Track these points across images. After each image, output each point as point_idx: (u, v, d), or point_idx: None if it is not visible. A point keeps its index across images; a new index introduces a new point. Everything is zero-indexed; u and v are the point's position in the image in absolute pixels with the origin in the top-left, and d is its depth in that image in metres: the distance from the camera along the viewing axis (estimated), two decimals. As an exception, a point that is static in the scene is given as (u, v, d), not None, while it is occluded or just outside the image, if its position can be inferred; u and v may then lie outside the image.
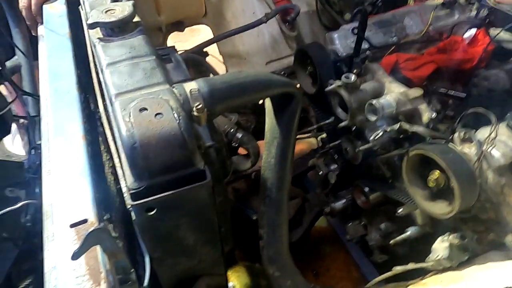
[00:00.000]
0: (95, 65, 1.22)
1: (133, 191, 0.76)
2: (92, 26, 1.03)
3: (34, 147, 1.47)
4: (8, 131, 1.88)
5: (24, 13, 1.59)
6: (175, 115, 0.79)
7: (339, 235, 2.60)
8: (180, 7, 2.02)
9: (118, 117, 0.80)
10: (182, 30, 2.19)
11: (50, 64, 1.20)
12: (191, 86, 0.87)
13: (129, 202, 0.75)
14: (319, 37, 2.45)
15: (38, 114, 1.56)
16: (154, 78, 0.89)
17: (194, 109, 0.85)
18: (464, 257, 1.38)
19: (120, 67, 0.93)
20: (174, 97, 0.84)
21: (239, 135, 2.14)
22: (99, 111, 1.08)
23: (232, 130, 2.14)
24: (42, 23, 1.57)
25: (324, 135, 2.11)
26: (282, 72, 2.34)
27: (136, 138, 0.75)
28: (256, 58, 2.34)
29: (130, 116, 0.78)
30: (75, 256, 0.60)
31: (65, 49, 1.25)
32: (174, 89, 0.87)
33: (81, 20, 1.42)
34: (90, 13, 1.06)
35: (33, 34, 1.63)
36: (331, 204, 1.94)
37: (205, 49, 2.22)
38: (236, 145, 2.17)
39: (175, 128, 0.77)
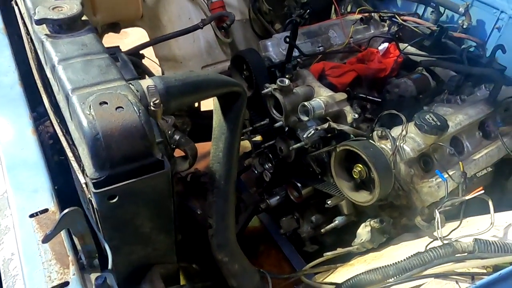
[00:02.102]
0: (37, 61, 1.21)
1: (95, 180, 0.79)
2: (39, 22, 1.03)
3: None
4: None
5: None
6: (135, 108, 0.84)
7: (271, 233, 2.75)
8: (117, 8, 2.01)
9: (78, 110, 0.82)
10: (117, 32, 2.17)
11: (-13, 59, 1.16)
12: (147, 82, 0.92)
13: (92, 190, 0.78)
14: (252, 44, 2.59)
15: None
16: (110, 75, 0.93)
17: (151, 104, 0.90)
18: (383, 239, 1.59)
19: (73, 63, 0.95)
20: (132, 92, 0.89)
21: (177, 136, 2.16)
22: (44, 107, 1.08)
23: (169, 132, 2.16)
24: (-33, 16, 1.48)
25: (257, 138, 2.24)
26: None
27: (98, 129, 0.79)
28: (192, 63, 2.40)
29: (90, 109, 0.82)
30: (47, 238, 0.62)
31: (1, 44, 1.22)
32: (130, 85, 0.92)
33: (15, 15, 1.38)
34: (36, 9, 1.05)
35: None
36: (266, 200, 2.06)
37: (141, 52, 2.23)
38: (173, 147, 2.20)
39: (136, 121, 0.82)
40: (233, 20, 2.34)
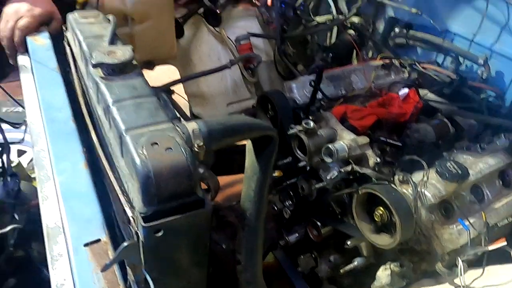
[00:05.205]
0: (85, 98, 1.32)
1: (143, 214, 0.86)
2: (96, 65, 1.14)
3: (11, 174, 1.46)
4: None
5: (4, 42, 1.62)
6: (183, 150, 0.92)
7: (286, 270, 2.75)
8: (155, 47, 2.16)
9: (132, 150, 0.91)
10: (151, 69, 2.31)
11: (43, 95, 1.27)
12: (192, 126, 1.01)
13: (141, 223, 0.85)
14: (276, 84, 2.71)
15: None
16: (159, 117, 1.02)
17: (196, 146, 0.98)
18: (403, 283, 1.61)
19: (126, 105, 1.04)
20: (179, 134, 0.97)
21: (201, 170, 2.24)
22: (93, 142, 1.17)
23: (194, 165, 2.24)
24: (22, 53, 1.62)
25: (275, 174, 2.29)
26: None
27: (150, 168, 0.87)
28: (218, 99, 2.52)
29: (143, 149, 0.90)
30: (106, 267, 0.69)
31: (56, 82, 1.33)
32: (177, 127, 1.00)
33: (65, 55, 1.51)
34: (93, 54, 1.17)
35: (11, 63, 1.67)
36: (285, 237, 2.09)
37: (171, 88, 2.35)
38: (197, 180, 2.27)
39: (183, 162, 0.90)
40: (260, 62, 2.47)
